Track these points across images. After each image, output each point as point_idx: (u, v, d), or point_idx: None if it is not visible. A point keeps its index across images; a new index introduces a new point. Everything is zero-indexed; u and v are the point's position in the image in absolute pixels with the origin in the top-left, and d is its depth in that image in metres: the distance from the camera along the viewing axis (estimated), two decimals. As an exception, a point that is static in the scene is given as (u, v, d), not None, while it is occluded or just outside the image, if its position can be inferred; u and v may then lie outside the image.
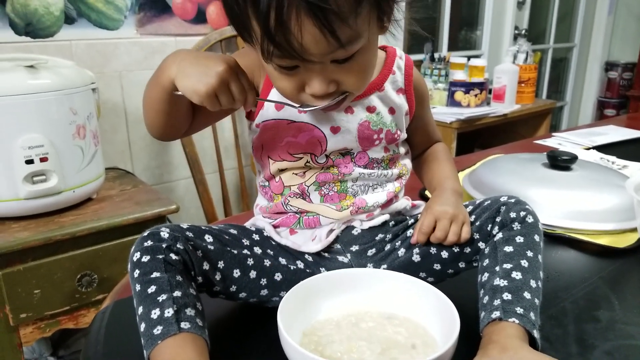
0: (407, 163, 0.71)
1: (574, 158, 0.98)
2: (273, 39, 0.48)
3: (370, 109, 0.65)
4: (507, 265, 0.57)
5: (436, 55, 2.26)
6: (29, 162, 1.04)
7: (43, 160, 1.05)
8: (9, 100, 1.01)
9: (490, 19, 2.80)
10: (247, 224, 0.69)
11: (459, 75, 2.16)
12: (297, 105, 0.59)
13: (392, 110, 0.67)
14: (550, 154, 0.99)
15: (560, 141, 1.48)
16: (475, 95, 2.12)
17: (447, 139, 1.94)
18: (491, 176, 0.99)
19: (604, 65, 3.63)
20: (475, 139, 2.39)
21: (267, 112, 0.63)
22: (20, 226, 1.07)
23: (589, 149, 1.39)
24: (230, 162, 1.77)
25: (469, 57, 2.32)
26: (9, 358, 1.06)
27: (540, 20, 3.30)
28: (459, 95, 2.12)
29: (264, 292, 0.62)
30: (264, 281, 0.62)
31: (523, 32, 2.80)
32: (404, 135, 0.69)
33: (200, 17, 1.60)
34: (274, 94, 0.63)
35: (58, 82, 1.07)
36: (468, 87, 2.11)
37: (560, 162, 0.97)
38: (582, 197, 0.90)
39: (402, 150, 0.70)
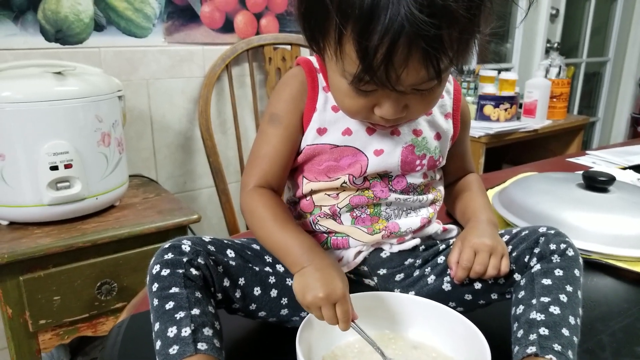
0: (441, 189, 0.69)
1: (611, 179, 0.93)
2: (373, 71, 0.48)
3: (417, 133, 0.63)
4: (545, 299, 0.53)
5: (465, 68, 2.21)
6: (54, 168, 1.04)
7: (67, 166, 1.05)
8: (36, 107, 1.01)
9: (522, 31, 2.75)
10: None
11: (489, 89, 2.11)
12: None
13: (438, 136, 0.65)
14: (586, 174, 0.95)
15: (594, 159, 1.42)
16: (505, 110, 2.06)
17: (475, 153, 1.89)
18: (523, 196, 0.95)
19: (638, 80, 3.52)
20: (504, 154, 2.34)
21: (309, 136, 0.62)
22: (42, 232, 1.07)
23: (625, 168, 1.33)
24: (254, 171, 1.75)
25: (499, 70, 2.26)
26: (27, 364, 1.06)
27: (574, 33, 3.22)
28: (489, 109, 2.07)
29: (284, 311, 0.60)
30: (284, 300, 0.60)
31: (555, 45, 2.74)
32: (444, 162, 0.67)
33: (227, 27, 1.60)
34: (316, 120, 0.61)
35: (85, 89, 1.07)
36: (498, 101, 2.06)
37: (597, 183, 0.93)
38: (621, 221, 0.85)
39: (437, 175, 0.68)
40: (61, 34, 1.31)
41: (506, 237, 0.61)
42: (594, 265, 0.81)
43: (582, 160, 1.41)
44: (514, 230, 0.62)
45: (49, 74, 1.04)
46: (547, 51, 2.74)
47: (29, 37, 1.27)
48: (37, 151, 1.02)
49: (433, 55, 0.47)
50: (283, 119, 0.62)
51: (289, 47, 1.69)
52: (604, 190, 0.93)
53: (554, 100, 2.13)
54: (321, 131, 0.61)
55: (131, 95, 1.46)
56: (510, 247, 0.60)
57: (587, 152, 1.50)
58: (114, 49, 1.40)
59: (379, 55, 0.46)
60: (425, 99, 0.54)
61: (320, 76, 0.63)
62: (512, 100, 2.08)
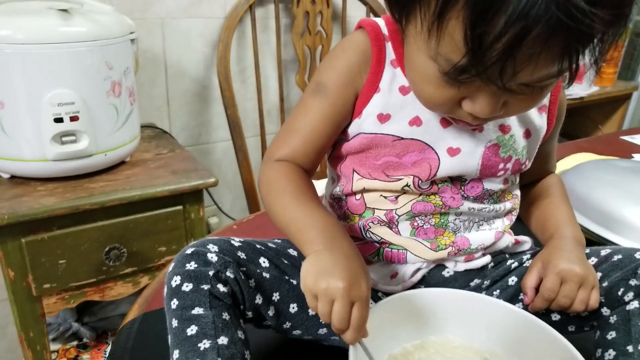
0: (518, 194, 0.57)
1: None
2: (483, 65, 0.35)
3: (504, 129, 0.50)
4: None
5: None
6: (58, 120, 0.93)
7: (73, 119, 0.94)
8: (38, 49, 0.88)
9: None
10: None
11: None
12: None
13: (527, 134, 0.52)
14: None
15: (652, 138, 1.29)
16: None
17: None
18: (584, 188, 0.84)
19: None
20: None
21: (366, 122, 0.50)
22: (46, 189, 0.97)
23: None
24: (273, 126, 1.63)
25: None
26: (32, 328, 0.99)
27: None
28: (529, 70, 1.91)
29: (323, 330, 0.51)
30: (324, 320, 0.50)
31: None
32: (529, 165, 0.55)
33: (253, -37, 1.43)
34: (377, 103, 0.49)
35: (94, 30, 0.94)
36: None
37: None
38: None
39: (517, 179, 0.56)
40: (68, -37, 1.16)
41: (593, 260, 0.51)
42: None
43: (638, 139, 1.28)
44: (602, 252, 0.51)
45: (53, 11, 0.91)
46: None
47: (32, -36, 1.12)
48: (39, 100, 0.91)
49: (575, 49, 0.35)
50: (330, 92, 0.50)
51: (319, -12, 1.53)
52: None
53: (603, 64, 1.96)
54: (383, 118, 0.49)
55: (144, 36, 1.32)
56: (599, 273, 0.49)
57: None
58: (127, -18, 1.25)
59: (499, 46, 0.34)
60: (533, 96, 0.42)
61: (389, 45, 0.50)
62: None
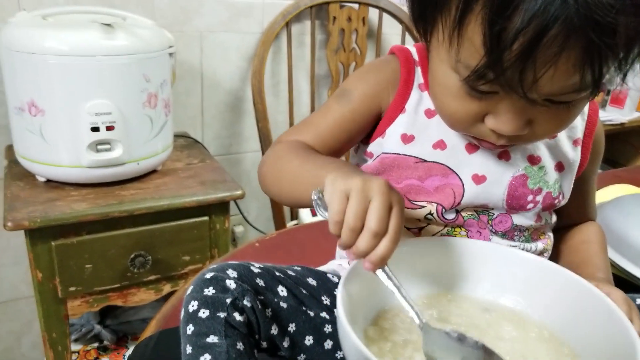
0: (551, 236, 0.55)
1: None
2: (502, 67, 0.35)
3: (533, 160, 0.49)
4: None
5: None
6: (95, 129, 0.96)
7: (109, 128, 0.97)
8: (80, 61, 0.92)
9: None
10: (328, 269, 0.57)
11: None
12: None
13: (560, 167, 0.51)
14: None
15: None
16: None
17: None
18: (623, 225, 0.79)
19: None
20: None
21: (389, 141, 0.50)
22: (79, 194, 1.00)
23: None
24: (303, 140, 1.64)
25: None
26: (55, 328, 1.02)
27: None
28: (568, 96, 1.87)
29: (337, 364, 0.50)
30: (340, 354, 0.50)
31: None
32: (565, 201, 0.53)
33: (293, -20, 1.45)
34: (402, 123, 0.49)
35: (134, 44, 0.97)
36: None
37: None
38: None
39: (554, 219, 0.55)
40: (114, -24, 1.20)
41: None
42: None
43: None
44: (639, 300, 0.50)
45: (97, 24, 0.94)
46: None
47: (80, -24, 1.16)
48: (78, 110, 0.94)
49: (597, 55, 0.34)
50: (355, 98, 0.51)
51: (356, 5, 1.54)
52: None
53: (645, 92, 1.90)
54: (407, 138, 0.49)
55: (183, 48, 1.35)
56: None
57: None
58: (170, -4, 1.29)
59: (517, 45, 0.33)
60: (560, 116, 0.41)
61: (418, 70, 0.50)
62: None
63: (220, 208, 1.10)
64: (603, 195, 0.98)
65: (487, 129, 0.42)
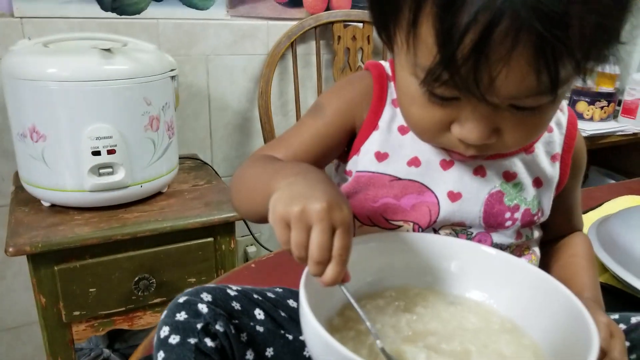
0: (537, 250, 0.53)
1: None
2: (455, 65, 0.33)
3: (509, 176, 0.48)
4: None
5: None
6: (96, 153, 0.96)
7: (110, 152, 0.98)
8: (80, 86, 0.93)
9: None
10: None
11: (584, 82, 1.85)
12: None
13: (538, 183, 0.49)
14: None
15: None
16: (602, 108, 1.81)
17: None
18: (628, 238, 0.77)
19: None
20: (591, 156, 2.08)
21: (363, 159, 0.49)
22: (82, 218, 1.01)
23: None
24: (313, 159, 1.64)
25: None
26: (61, 353, 1.02)
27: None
28: (582, 105, 1.82)
29: (319, 388, 0.48)
30: (320, 378, 0.48)
31: (668, 34, 2.38)
32: (545, 217, 0.51)
33: (295, 0, 1.46)
34: (375, 140, 0.48)
35: (134, 68, 0.98)
36: (594, 97, 1.81)
37: None
38: None
39: (537, 234, 0.52)
40: (118, 3, 1.23)
41: (622, 327, 0.46)
42: None
43: (699, 184, 1.18)
44: (633, 319, 0.47)
45: (96, 50, 0.95)
46: (658, 40, 2.39)
47: (85, 5, 1.19)
48: (79, 134, 0.95)
49: (551, 52, 0.32)
50: (328, 114, 0.50)
51: (360, 25, 1.54)
52: None
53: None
54: (380, 156, 0.48)
55: (189, 72, 1.37)
56: (627, 343, 0.45)
57: None
58: (173, 21, 1.30)
59: (468, 41, 0.32)
60: (527, 123, 0.39)
61: (391, 85, 0.50)
62: (610, 97, 1.83)
63: (225, 229, 1.10)
64: (609, 208, 0.94)
65: (455, 139, 0.41)
